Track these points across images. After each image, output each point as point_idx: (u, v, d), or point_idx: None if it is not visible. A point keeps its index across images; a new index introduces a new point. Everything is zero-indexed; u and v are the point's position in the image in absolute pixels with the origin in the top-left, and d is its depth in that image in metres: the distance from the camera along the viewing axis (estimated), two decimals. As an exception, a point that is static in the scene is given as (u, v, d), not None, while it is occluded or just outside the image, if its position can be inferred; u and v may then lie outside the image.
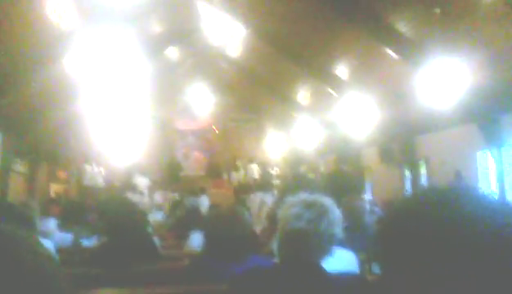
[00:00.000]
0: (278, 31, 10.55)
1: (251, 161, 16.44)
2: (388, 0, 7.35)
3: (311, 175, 10.82)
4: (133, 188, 13.72)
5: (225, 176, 16.81)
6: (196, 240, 3.97)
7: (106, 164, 14.65)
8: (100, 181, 13.83)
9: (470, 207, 0.64)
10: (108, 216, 3.28)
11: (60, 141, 13.17)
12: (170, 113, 17.12)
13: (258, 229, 5.10)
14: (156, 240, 3.68)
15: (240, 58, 14.38)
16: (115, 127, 15.01)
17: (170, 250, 4.36)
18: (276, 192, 8.60)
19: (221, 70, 16.12)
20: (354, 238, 2.69)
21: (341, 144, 13.10)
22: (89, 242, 3.96)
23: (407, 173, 10.98)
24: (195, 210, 5.74)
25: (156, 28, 12.09)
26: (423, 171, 10.70)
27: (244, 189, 8.54)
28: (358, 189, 4.92)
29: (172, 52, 14.38)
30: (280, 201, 3.54)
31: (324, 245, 1.75)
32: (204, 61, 15.80)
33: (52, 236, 4.09)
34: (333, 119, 12.48)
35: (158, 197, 11.60)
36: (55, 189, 13.76)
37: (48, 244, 3.14)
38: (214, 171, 16.87)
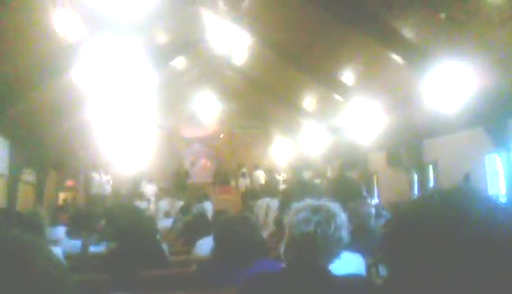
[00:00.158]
0: (283, 39, 10.58)
1: (257, 167, 16.44)
2: (394, 6, 7.35)
3: (316, 181, 10.77)
4: (141, 195, 13.80)
5: (232, 183, 16.81)
6: (204, 246, 3.97)
7: (114, 172, 14.73)
8: (107, 189, 13.91)
9: (477, 208, 0.64)
10: (116, 222, 3.31)
11: (68, 150, 13.28)
12: (177, 121, 17.20)
13: (265, 234, 5.10)
14: (164, 246, 3.70)
15: (245, 66, 14.42)
16: (123, 136, 15.11)
17: (178, 256, 4.37)
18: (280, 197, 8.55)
19: (227, 78, 16.16)
20: (360, 242, 2.68)
21: (347, 149, 13.07)
22: (98, 249, 3.99)
23: (415, 177, 10.90)
24: (202, 216, 5.76)
25: (162, 38, 12.18)
26: (431, 175, 10.63)
27: (252, 195, 8.50)
28: (363, 194, 4.90)
29: (179, 62, 14.47)
30: (284, 206, 3.55)
31: (332, 248, 1.76)
32: (210, 70, 15.87)
33: (62, 243, 4.13)
34: (339, 125, 12.47)
35: (165, 204, 11.62)
36: (63, 197, 13.88)
37: (57, 251, 3.16)
38: (222, 178, 16.90)
